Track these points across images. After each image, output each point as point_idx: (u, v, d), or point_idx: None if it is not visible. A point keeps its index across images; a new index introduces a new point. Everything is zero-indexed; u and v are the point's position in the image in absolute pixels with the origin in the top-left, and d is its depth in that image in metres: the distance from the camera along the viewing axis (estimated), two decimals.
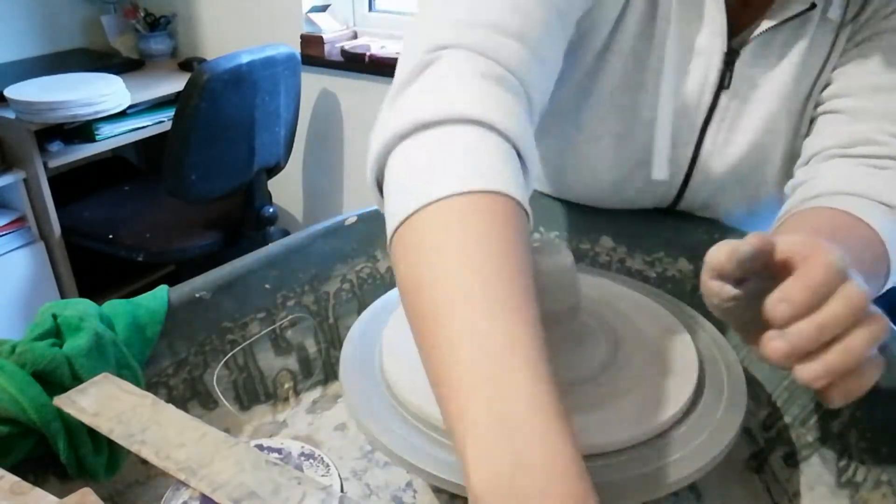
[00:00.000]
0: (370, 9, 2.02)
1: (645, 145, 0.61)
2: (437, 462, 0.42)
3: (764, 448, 0.56)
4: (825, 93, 0.57)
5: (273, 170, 1.88)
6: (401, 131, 0.40)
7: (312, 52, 1.89)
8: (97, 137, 1.75)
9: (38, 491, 0.38)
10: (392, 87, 0.44)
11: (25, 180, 1.69)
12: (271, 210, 1.88)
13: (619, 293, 0.59)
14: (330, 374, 0.66)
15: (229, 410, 0.59)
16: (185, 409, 0.46)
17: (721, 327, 0.55)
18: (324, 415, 0.62)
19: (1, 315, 1.74)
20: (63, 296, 1.86)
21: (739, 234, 0.65)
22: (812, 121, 0.59)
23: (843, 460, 0.49)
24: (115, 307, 0.52)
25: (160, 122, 1.87)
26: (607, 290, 0.60)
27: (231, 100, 1.59)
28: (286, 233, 1.94)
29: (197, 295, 0.57)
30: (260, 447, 0.42)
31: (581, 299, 0.51)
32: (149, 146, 2.09)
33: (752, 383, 0.57)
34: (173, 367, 0.56)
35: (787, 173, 0.60)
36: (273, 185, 1.94)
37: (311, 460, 0.42)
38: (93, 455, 0.45)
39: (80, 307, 0.50)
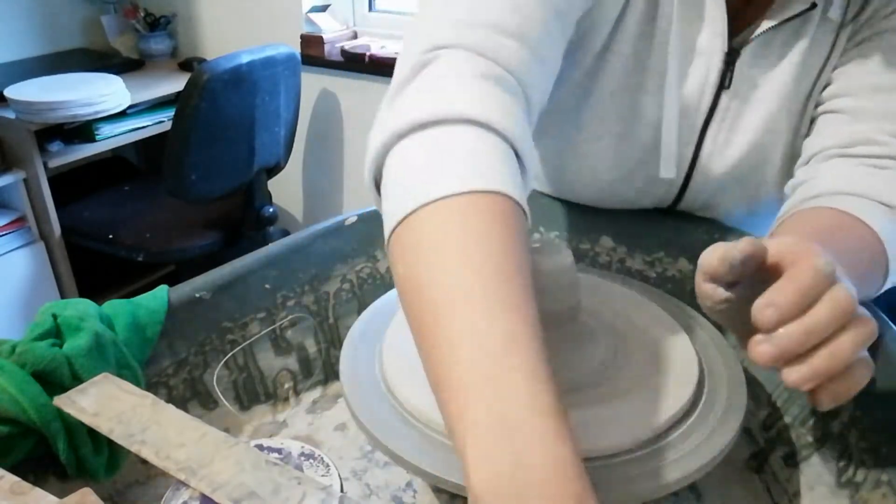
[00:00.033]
0: (370, 9, 2.02)
1: (645, 145, 0.61)
2: (437, 462, 0.42)
3: (764, 448, 0.56)
4: (825, 92, 0.57)
5: (273, 170, 1.88)
6: (399, 130, 0.40)
7: (312, 52, 1.89)
8: (97, 137, 1.75)
9: (38, 491, 0.38)
10: (391, 87, 0.44)
11: (25, 180, 1.69)
12: (271, 210, 1.88)
13: (619, 293, 0.59)
14: (330, 374, 0.66)
15: (229, 410, 0.59)
16: (185, 409, 0.46)
17: (721, 327, 0.55)
18: (324, 415, 0.62)
19: (1, 315, 1.74)
20: (63, 296, 1.86)
21: (739, 234, 0.65)
22: (812, 121, 0.59)
23: (843, 460, 0.49)
24: (115, 307, 0.52)
25: (160, 122, 1.88)
26: (607, 290, 0.60)
27: (231, 100, 1.59)
28: (286, 233, 1.94)
29: (197, 295, 0.57)
30: (260, 447, 0.42)
31: (581, 299, 0.51)
32: (149, 146, 2.09)
33: (752, 383, 0.57)
34: (173, 367, 0.56)
35: (788, 173, 0.60)
36: (273, 185, 1.94)
37: (311, 460, 0.42)
38: (93, 455, 0.45)
39: (80, 307, 0.50)
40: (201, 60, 1.97)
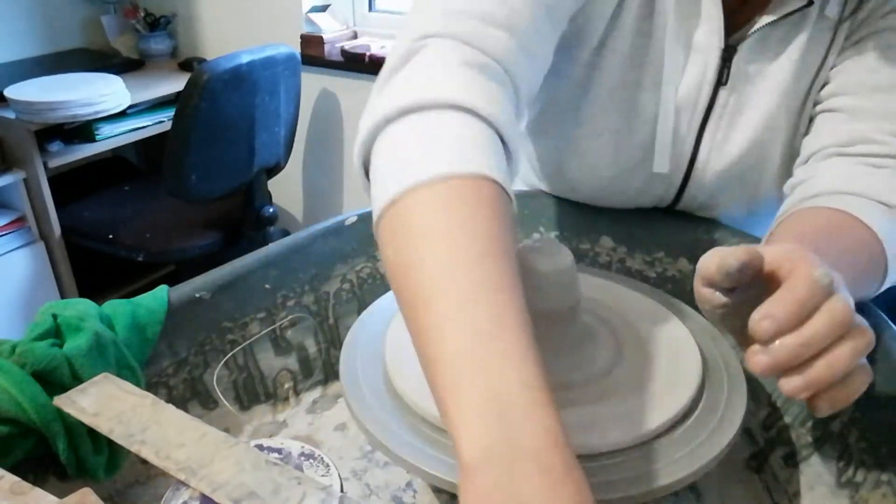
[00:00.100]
0: (370, 9, 2.02)
1: (644, 142, 0.61)
2: (437, 462, 0.42)
3: (764, 448, 0.56)
4: (824, 91, 0.57)
5: (273, 170, 1.88)
6: (388, 115, 0.41)
7: (312, 52, 1.89)
8: (97, 137, 1.75)
9: (38, 491, 0.38)
10: (381, 74, 0.46)
11: (25, 180, 1.69)
12: (271, 210, 1.88)
13: (618, 293, 0.59)
14: (330, 374, 0.66)
15: (229, 410, 0.59)
16: (185, 409, 0.46)
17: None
18: (324, 415, 0.62)
19: (1, 315, 1.74)
20: (63, 296, 1.86)
21: (739, 234, 0.65)
22: (811, 119, 0.59)
23: (843, 460, 0.49)
24: (115, 307, 0.52)
25: (160, 122, 1.88)
26: (607, 290, 0.60)
27: (231, 100, 1.59)
28: (286, 233, 1.94)
29: (197, 295, 0.57)
30: (260, 447, 0.42)
31: (581, 299, 0.51)
32: (149, 146, 2.09)
33: (752, 383, 0.57)
34: (173, 367, 0.56)
35: (787, 172, 0.60)
36: (273, 185, 1.94)
37: (311, 460, 0.42)
38: (93, 455, 0.45)
39: (80, 307, 0.50)
40: (201, 60, 1.97)
